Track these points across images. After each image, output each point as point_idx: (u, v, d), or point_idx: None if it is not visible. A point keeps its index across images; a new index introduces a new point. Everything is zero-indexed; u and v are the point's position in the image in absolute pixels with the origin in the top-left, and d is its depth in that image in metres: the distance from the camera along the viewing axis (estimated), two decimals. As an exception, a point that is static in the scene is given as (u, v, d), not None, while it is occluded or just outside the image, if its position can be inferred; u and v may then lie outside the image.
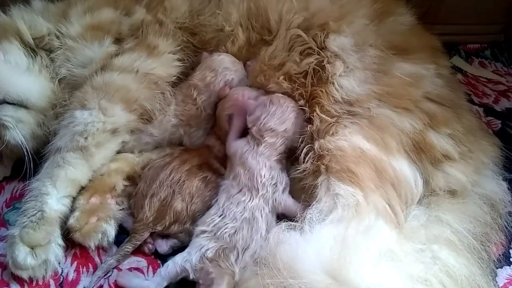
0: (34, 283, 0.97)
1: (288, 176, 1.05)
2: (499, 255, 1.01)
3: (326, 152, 0.99)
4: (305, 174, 1.01)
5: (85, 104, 1.08)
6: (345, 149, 0.98)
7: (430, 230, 0.93)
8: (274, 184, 1.01)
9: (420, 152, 1.00)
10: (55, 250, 0.99)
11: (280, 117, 1.06)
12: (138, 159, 1.16)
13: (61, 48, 1.18)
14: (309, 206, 0.94)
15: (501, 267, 1.01)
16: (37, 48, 1.19)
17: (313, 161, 1.00)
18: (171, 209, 1.02)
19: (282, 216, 1.00)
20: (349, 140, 0.99)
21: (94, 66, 1.14)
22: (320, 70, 1.09)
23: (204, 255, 0.93)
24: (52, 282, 0.98)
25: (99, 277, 0.98)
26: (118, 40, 1.19)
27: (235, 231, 0.94)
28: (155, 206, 1.02)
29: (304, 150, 1.03)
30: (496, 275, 0.97)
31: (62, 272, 1.00)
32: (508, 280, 0.99)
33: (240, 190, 0.99)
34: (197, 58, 1.24)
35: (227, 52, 1.21)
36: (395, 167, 0.97)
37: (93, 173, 1.08)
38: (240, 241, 0.93)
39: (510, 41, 1.66)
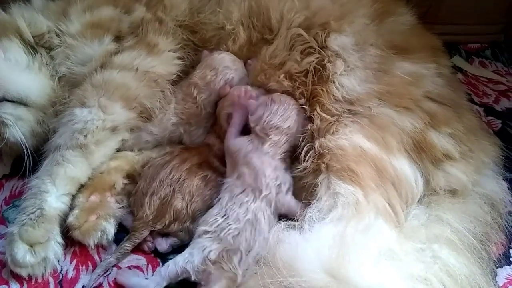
0: (33, 281, 0.97)
1: (289, 175, 1.05)
2: (499, 254, 1.01)
3: (327, 151, 0.98)
4: (305, 173, 1.01)
5: (84, 102, 1.08)
6: (345, 148, 0.98)
7: (431, 229, 0.93)
8: (278, 185, 1.00)
9: (420, 151, 1.00)
10: (54, 248, 0.98)
11: (282, 115, 1.05)
12: (138, 157, 1.15)
13: (61, 46, 1.17)
14: (309, 204, 0.94)
15: (501, 267, 1.01)
16: (37, 46, 1.18)
17: (314, 159, 1.00)
18: (171, 208, 1.02)
19: (281, 216, 0.99)
20: (350, 139, 0.98)
21: (94, 64, 1.13)
22: (320, 69, 1.09)
23: (207, 257, 0.91)
24: (51, 280, 0.98)
25: (99, 275, 0.98)
26: (118, 38, 1.18)
27: (238, 232, 0.93)
28: (155, 205, 1.02)
29: (305, 149, 1.03)
30: (496, 274, 0.97)
31: (61, 270, 1.00)
32: (508, 280, 0.99)
33: (244, 190, 0.98)
34: (198, 56, 1.24)
35: (228, 51, 1.21)
36: (396, 166, 0.97)
37: (93, 171, 1.08)
38: (243, 243, 0.92)
39: (510, 41, 1.66)
